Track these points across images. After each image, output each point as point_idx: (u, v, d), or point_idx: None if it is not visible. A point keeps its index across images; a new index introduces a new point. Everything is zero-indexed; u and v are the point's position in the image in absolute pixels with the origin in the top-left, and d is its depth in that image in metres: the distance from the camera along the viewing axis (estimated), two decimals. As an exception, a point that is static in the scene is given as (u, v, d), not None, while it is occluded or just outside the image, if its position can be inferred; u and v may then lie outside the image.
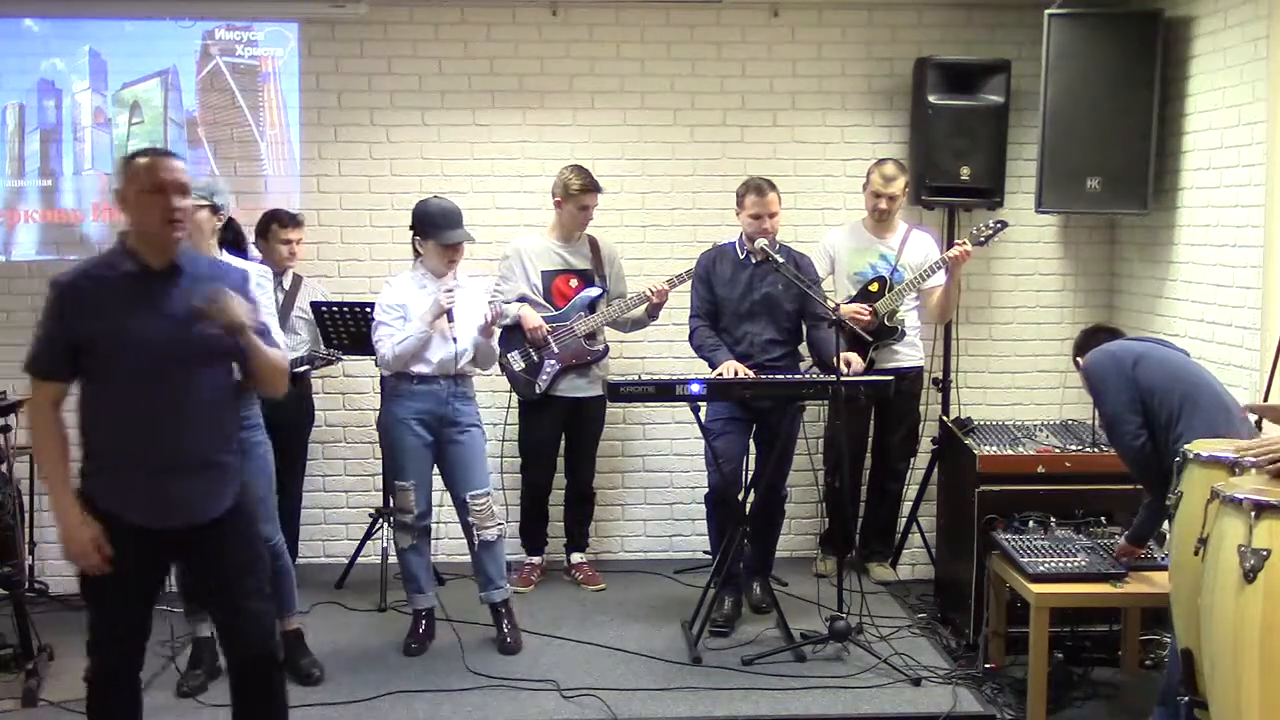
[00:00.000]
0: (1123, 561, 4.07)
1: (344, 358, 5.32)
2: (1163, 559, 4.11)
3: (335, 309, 5.07)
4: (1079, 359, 4.16)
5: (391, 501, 4.79)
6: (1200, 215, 4.93)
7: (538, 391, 5.22)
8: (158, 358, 3.05)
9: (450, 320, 4.48)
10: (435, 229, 4.50)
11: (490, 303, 4.71)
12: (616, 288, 5.35)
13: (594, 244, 5.34)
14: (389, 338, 4.50)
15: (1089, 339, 4.22)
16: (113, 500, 3.08)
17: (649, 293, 5.15)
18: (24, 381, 5.49)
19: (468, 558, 4.74)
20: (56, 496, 3.08)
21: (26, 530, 5.27)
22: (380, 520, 5.37)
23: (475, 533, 4.60)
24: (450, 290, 4.45)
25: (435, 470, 4.66)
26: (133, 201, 3.06)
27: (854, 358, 4.71)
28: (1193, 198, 5.00)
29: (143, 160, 3.08)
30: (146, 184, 3.04)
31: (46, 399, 3.14)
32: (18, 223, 5.66)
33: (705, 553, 5.55)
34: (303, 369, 5.21)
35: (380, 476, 5.49)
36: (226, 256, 4.23)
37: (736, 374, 4.66)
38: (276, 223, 5.12)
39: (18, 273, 5.65)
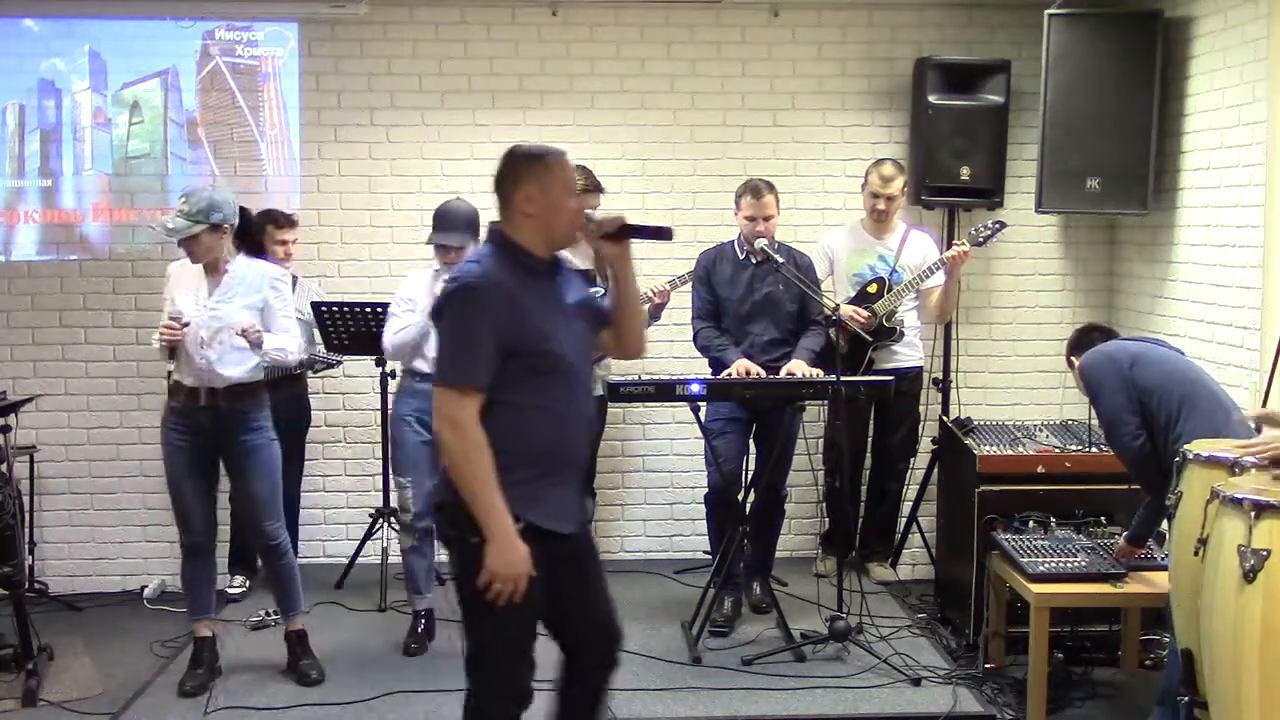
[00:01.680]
0: (1122, 562, 4.07)
1: (344, 359, 5.33)
2: (1163, 559, 4.11)
3: (335, 309, 5.07)
4: (1073, 358, 4.16)
5: (394, 501, 4.80)
6: (1200, 215, 4.93)
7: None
8: (572, 357, 2.93)
9: None
10: (433, 228, 4.54)
11: None
12: None
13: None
14: (392, 327, 4.52)
15: (1083, 338, 4.21)
16: (537, 512, 2.89)
17: (650, 293, 5.15)
18: (25, 381, 5.57)
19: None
20: (498, 515, 2.77)
21: (26, 530, 5.27)
22: (380, 520, 5.37)
23: None
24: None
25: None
26: (550, 201, 2.91)
27: (801, 368, 4.72)
28: (1193, 198, 5.00)
29: (563, 160, 2.96)
30: (570, 186, 2.95)
31: (476, 411, 2.81)
32: (18, 223, 5.66)
33: (705, 553, 5.55)
34: (300, 370, 5.22)
35: (380, 477, 5.49)
36: (243, 259, 4.25)
37: (749, 373, 4.66)
38: (272, 223, 5.12)
39: (18, 273, 5.65)
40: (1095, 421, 4.88)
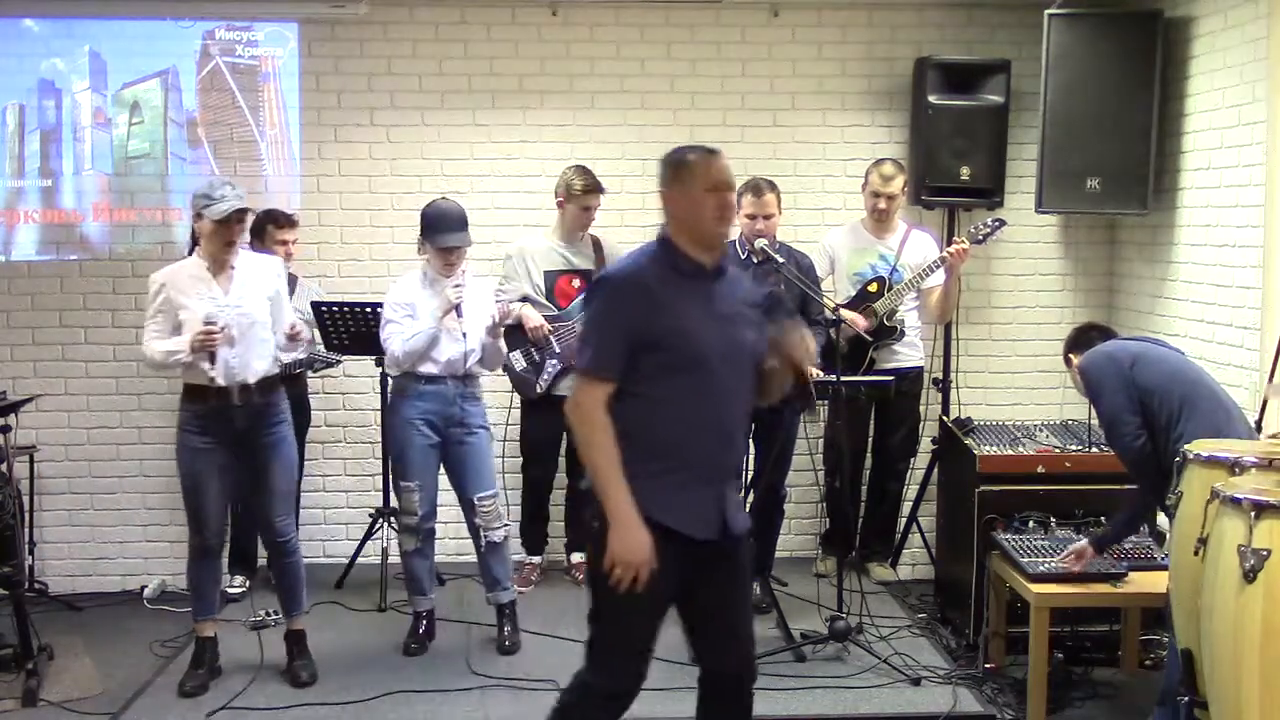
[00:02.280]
0: (1067, 562, 4.04)
1: (344, 359, 5.33)
2: (1163, 559, 4.11)
3: (335, 309, 5.07)
4: (1071, 356, 4.16)
5: (395, 503, 4.79)
6: (1200, 215, 4.93)
7: (539, 391, 5.22)
8: (715, 359, 2.94)
9: (459, 316, 4.48)
10: (433, 232, 4.50)
11: (497, 302, 4.70)
12: None
13: (597, 244, 5.34)
14: (398, 335, 4.48)
15: (1081, 337, 4.21)
16: (664, 510, 2.93)
17: None
18: (25, 381, 5.57)
19: (468, 558, 4.74)
20: (619, 500, 2.86)
21: (26, 530, 5.27)
22: (380, 520, 5.37)
23: (482, 534, 4.59)
24: (459, 285, 4.45)
25: (440, 472, 4.66)
26: (693, 199, 2.99)
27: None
28: (1193, 198, 5.00)
29: (702, 158, 3.03)
30: (709, 182, 2.99)
31: (602, 399, 2.93)
32: (18, 223, 5.66)
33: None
34: (300, 370, 5.22)
35: (380, 477, 5.49)
36: (243, 253, 4.26)
37: None
38: (272, 223, 5.12)
39: (18, 273, 5.65)
40: (1095, 421, 4.90)
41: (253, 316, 4.14)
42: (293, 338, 4.21)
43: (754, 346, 3.05)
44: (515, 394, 5.37)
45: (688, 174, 3.01)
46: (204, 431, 4.19)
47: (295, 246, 5.24)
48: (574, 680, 3.09)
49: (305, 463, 5.52)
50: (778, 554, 5.29)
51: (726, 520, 3.02)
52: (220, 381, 4.14)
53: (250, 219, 4.27)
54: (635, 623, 3.00)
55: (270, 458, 4.24)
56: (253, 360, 4.15)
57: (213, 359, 4.07)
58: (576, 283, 5.28)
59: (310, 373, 5.40)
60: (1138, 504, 3.97)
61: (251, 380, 4.16)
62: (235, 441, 4.20)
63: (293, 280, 5.22)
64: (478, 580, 4.97)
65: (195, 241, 4.26)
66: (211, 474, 4.21)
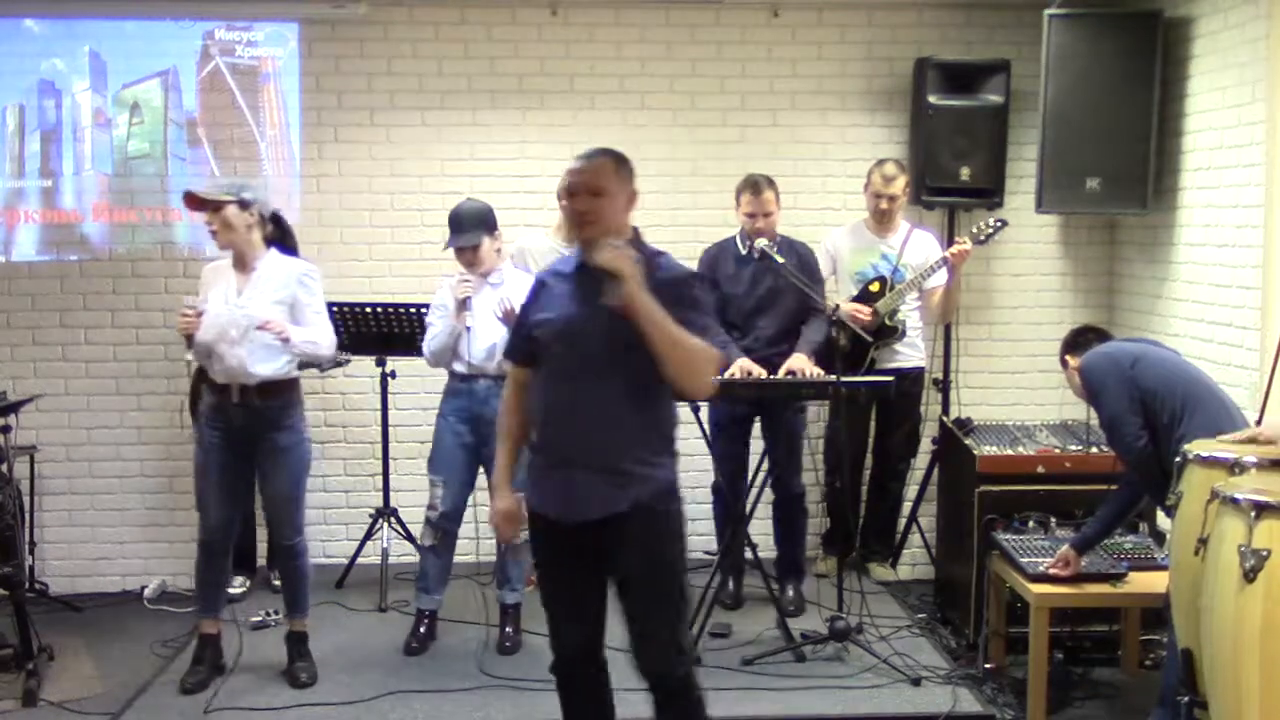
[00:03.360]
0: (1057, 569, 4.02)
1: (352, 358, 5.32)
2: (1162, 559, 4.11)
3: (336, 309, 5.06)
4: (1068, 358, 4.16)
5: (394, 502, 4.78)
6: (1200, 215, 4.93)
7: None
8: (564, 345, 3.08)
9: (467, 310, 4.47)
10: (450, 233, 4.55)
11: (502, 299, 4.67)
12: None
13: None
14: (429, 334, 4.59)
15: (1077, 339, 4.21)
16: (530, 490, 3.20)
17: None
18: (25, 381, 5.57)
19: (468, 558, 4.74)
20: (497, 465, 3.28)
21: (26, 530, 5.27)
22: (380, 520, 5.38)
23: None
24: (466, 281, 4.48)
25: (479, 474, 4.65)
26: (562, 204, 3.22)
27: (802, 363, 4.72)
28: (1193, 198, 5.00)
29: (573, 166, 3.12)
30: (570, 187, 3.09)
31: (512, 380, 3.30)
32: (18, 223, 5.66)
33: (706, 553, 5.55)
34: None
35: (380, 477, 5.49)
36: (274, 254, 4.26)
37: (750, 373, 4.66)
38: None
39: (18, 273, 5.65)
40: (1095, 422, 4.90)
41: (255, 319, 4.13)
42: (266, 329, 4.11)
43: (620, 333, 2.97)
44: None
45: (565, 180, 3.16)
46: (210, 423, 4.26)
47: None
48: None
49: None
50: (778, 554, 5.29)
51: (576, 503, 3.04)
52: (220, 379, 4.18)
53: (250, 214, 4.22)
54: (546, 592, 3.28)
55: (272, 463, 4.24)
56: (252, 362, 4.15)
57: (189, 341, 4.18)
58: (579, 282, 5.28)
59: (319, 372, 5.36)
60: (1119, 503, 3.97)
61: (251, 382, 4.16)
62: (236, 440, 4.20)
63: None
64: (478, 580, 4.98)
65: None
66: (213, 465, 4.25)
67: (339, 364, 5.30)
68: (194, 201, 4.21)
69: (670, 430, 3.16)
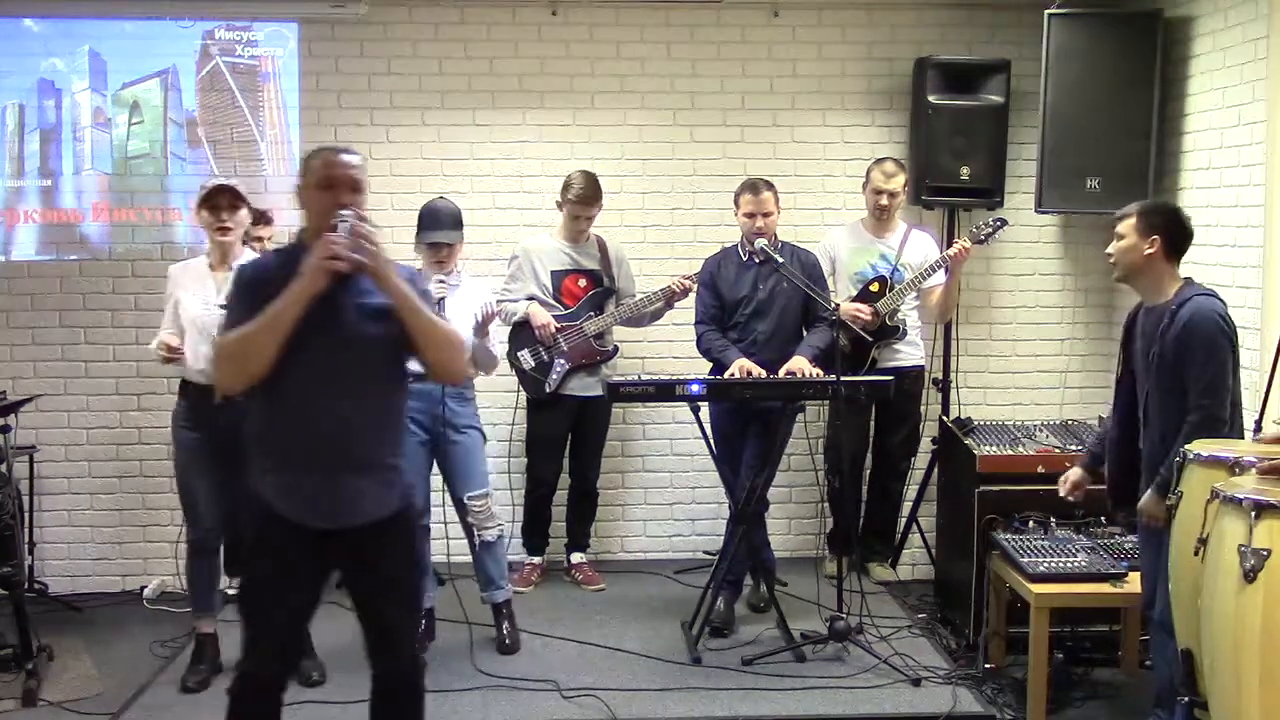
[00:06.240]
0: (1153, 525, 3.58)
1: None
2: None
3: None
4: (1156, 238, 3.72)
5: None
6: (1200, 215, 4.92)
7: (547, 391, 5.22)
8: (312, 351, 2.92)
9: (440, 311, 4.45)
10: (422, 229, 4.57)
11: (485, 303, 4.67)
12: (626, 288, 5.36)
13: (602, 244, 5.35)
14: None
15: (1180, 231, 3.78)
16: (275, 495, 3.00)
17: (675, 286, 5.15)
18: (25, 381, 5.57)
19: (469, 558, 4.73)
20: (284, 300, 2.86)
21: (26, 530, 5.27)
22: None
23: (475, 533, 4.60)
24: (440, 281, 4.45)
25: (434, 471, 4.65)
26: (306, 198, 2.99)
27: (801, 365, 4.71)
28: (1193, 198, 5.00)
29: (316, 158, 2.99)
30: (316, 180, 2.95)
31: None
32: (17, 223, 5.65)
33: (706, 553, 5.56)
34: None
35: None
36: (249, 254, 4.29)
37: (750, 374, 4.66)
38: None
39: (18, 273, 5.65)
40: (1095, 422, 4.90)
41: None
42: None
43: (375, 338, 2.98)
44: (519, 393, 5.37)
45: (304, 170, 3.01)
46: (190, 426, 4.26)
47: (272, 244, 5.21)
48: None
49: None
50: (778, 554, 5.30)
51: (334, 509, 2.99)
52: (201, 380, 4.19)
53: (244, 210, 4.25)
54: (265, 604, 3.08)
55: None
56: None
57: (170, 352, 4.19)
58: (583, 283, 5.29)
59: None
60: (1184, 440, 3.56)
61: None
62: (220, 440, 4.20)
63: None
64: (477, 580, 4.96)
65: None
66: (199, 469, 4.25)
67: None
68: (234, 197, 4.21)
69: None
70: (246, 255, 4.30)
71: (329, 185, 2.93)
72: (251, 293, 2.92)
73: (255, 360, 2.86)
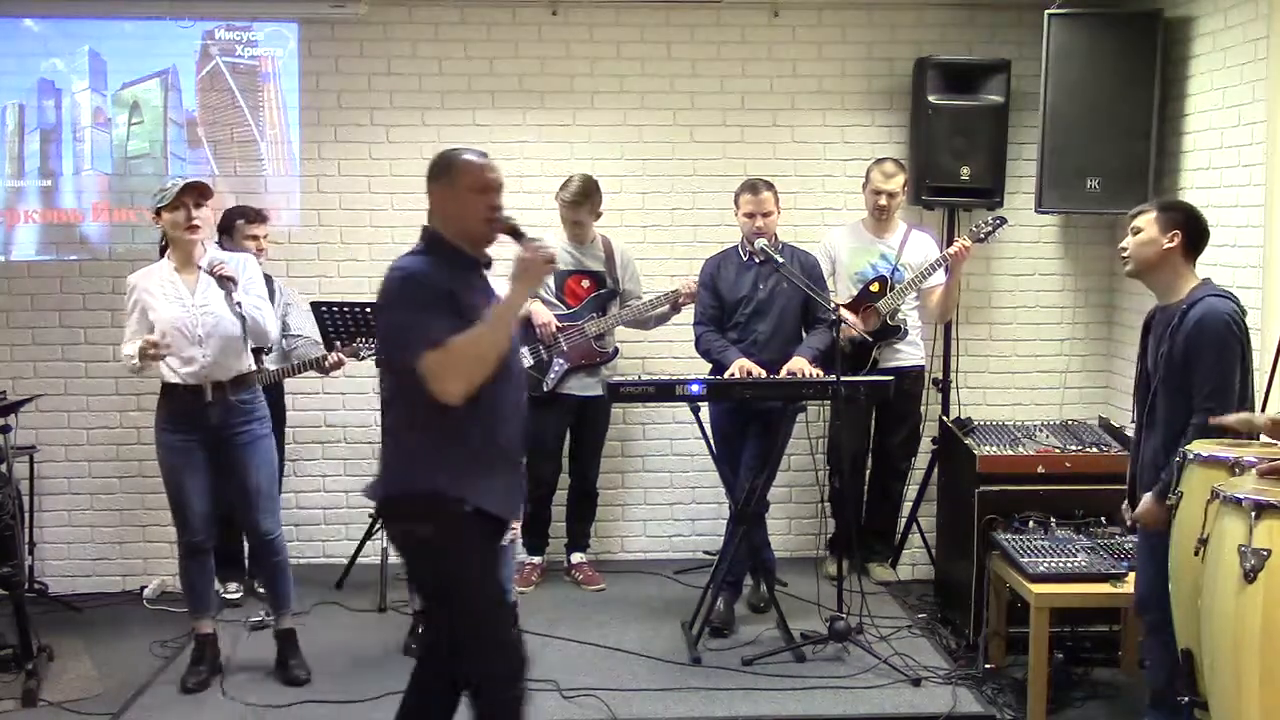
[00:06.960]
0: (1153, 529, 3.53)
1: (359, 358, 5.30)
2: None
3: (335, 309, 5.07)
4: (1176, 233, 3.62)
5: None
6: (1200, 215, 4.93)
7: (544, 389, 5.22)
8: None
9: None
10: None
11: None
12: (633, 290, 5.37)
13: (608, 246, 5.35)
14: None
15: (1197, 228, 3.67)
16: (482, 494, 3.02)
17: (683, 289, 5.15)
18: (25, 381, 5.57)
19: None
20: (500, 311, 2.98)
21: (26, 530, 5.26)
22: (379, 520, 5.36)
23: None
24: None
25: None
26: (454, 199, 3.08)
27: (801, 365, 4.71)
28: (1193, 198, 4.98)
29: (473, 159, 3.09)
30: (472, 183, 3.06)
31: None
32: (17, 223, 5.66)
33: (706, 553, 5.56)
34: (297, 373, 5.18)
35: (380, 476, 5.48)
36: (212, 249, 4.30)
37: (750, 373, 4.66)
38: (242, 218, 5.09)
39: (18, 273, 5.65)
40: (1095, 421, 4.90)
41: (219, 315, 4.15)
42: (213, 271, 4.14)
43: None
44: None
45: (460, 172, 3.09)
46: (178, 429, 4.24)
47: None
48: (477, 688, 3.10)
49: (289, 462, 5.50)
50: (778, 554, 5.30)
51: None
52: (190, 381, 4.18)
53: (209, 207, 4.24)
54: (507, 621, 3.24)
55: (246, 455, 4.25)
56: (223, 358, 4.17)
57: (142, 363, 4.14)
58: (586, 283, 5.29)
59: (319, 373, 5.32)
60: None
61: (224, 378, 4.19)
62: (210, 439, 4.22)
63: (267, 279, 5.18)
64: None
65: (165, 246, 4.30)
66: (190, 471, 4.24)
67: (358, 356, 5.23)
68: (201, 193, 4.19)
69: None
70: (211, 251, 4.29)
71: (486, 188, 3.05)
72: (443, 297, 2.95)
73: (493, 361, 2.92)
